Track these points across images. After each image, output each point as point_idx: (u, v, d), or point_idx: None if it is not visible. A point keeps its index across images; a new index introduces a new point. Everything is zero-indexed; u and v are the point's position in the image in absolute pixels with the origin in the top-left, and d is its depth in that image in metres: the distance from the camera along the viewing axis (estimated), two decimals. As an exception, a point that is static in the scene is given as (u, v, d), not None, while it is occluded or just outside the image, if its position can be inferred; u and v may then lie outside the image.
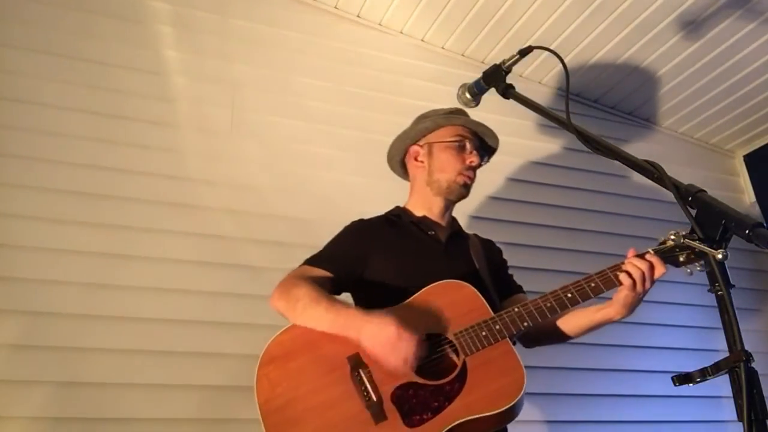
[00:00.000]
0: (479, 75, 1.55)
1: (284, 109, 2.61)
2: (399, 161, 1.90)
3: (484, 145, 1.84)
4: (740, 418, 0.91)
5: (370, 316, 1.44)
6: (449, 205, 1.82)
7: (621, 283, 1.44)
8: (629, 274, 1.43)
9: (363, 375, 1.43)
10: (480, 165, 1.78)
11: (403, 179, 1.94)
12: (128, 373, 2.03)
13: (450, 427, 1.36)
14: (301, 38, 2.76)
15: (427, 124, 1.80)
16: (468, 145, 1.77)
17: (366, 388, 1.42)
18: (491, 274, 1.74)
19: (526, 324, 1.47)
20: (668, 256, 1.41)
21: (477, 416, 1.36)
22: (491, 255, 1.84)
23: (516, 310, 1.48)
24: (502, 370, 1.42)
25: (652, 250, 1.45)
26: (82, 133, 2.25)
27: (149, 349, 2.08)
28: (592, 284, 1.47)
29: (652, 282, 1.44)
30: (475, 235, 1.89)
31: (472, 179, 1.78)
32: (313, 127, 2.62)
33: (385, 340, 1.39)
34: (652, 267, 1.43)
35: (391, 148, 1.88)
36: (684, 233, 1.32)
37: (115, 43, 2.42)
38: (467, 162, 1.75)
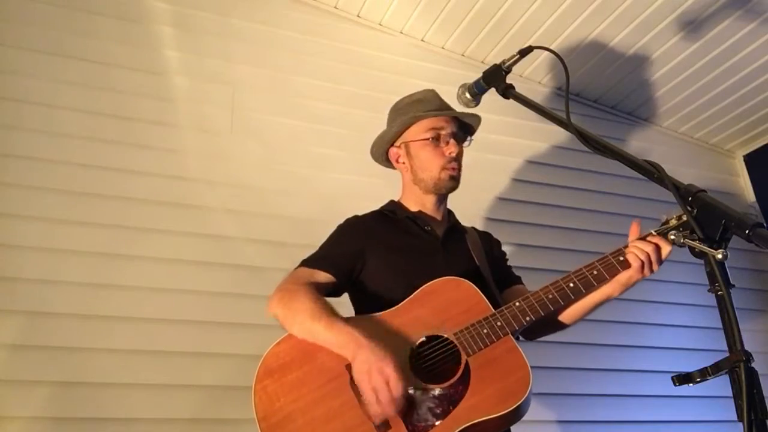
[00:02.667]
0: (479, 75, 1.54)
1: (284, 109, 2.61)
2: (384, 160, 1.87)
3: (463, 126, 1.78)
4: (740, 418, 0.91)
5: (366, 342, 1.37)
6: (442, 199, 1.77)
7: (629, 265, 1.41)
8: (637, 256, 1.40)
9: None
10: (461, 149, 1.73)
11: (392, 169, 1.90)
12: (128, 373, 2.03)
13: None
14: (301, 38, 2.76)
15: (395, 127, 1.75)
16: (443, 136, 1.71)
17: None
18: (491, 267, 1.71)
19: (528, 319, 1.43)
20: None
21: (483, 419, 1.33)
22: (490, 248, 1.81)
23: (517, 304, 1.44)
24: (507, 369, 1.38)
25: (655, 231, 1.43)
26: (82, 133, 2.25)
27: (149, 349, 2.08)
28: (595, 272, 1.43)
29: (660, 263, 1.41)
30: (473, 228, 1.86)
31: (458, 169, 1.72)
32: (313, 127, 2.62)
33: (372, 372, 1.33)
34: (658, 248, 1.40)
35: (372, 150, 1.85)
36: (682, 216, 1.31)
37: (115, 43, 2.42)
38: (447, 154, 1.70)
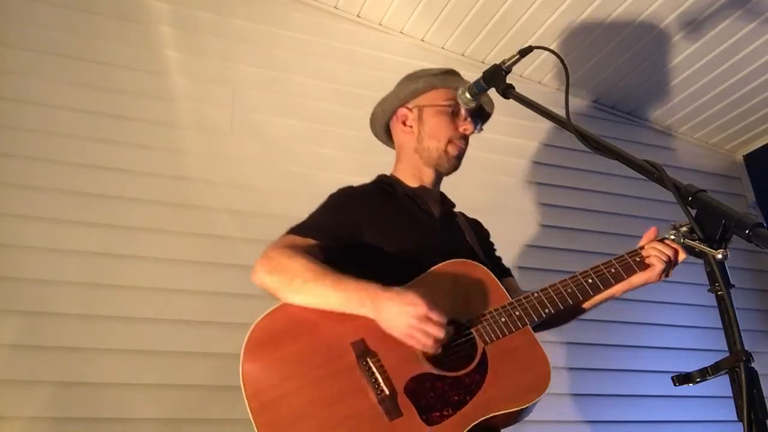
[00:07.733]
0: (479, 75, 1.54)
1: (284, 109, 2.61)
2: (383, 125, 1.74)
3: (479, 111, 1.69)
4: (740, 418, 0.91)
5: (390, 293, 1.27)
6: (440, 177, 1.69)
7: (646, 267, 1.42)
8: (660, 260, 1.41)
9: (372, 365, 1.26)
10: (473, 132, 1.65)
11: (387, 146, 1.82)
12: (128, 373, 2.03)
13: (473, 425, 1.24)
14: (301, 38, 2.76)
15: (419, 84, 1.63)
16: (462, 111, 1.62)
17: (377, 379, 1.25)
18: (484, 253, 1.65)
19: (547, 311, 1.39)
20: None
21: (502, 412, 1.27)
22: (481, 235, 1.75)
23: (536, 295, 1.40)
24: (527, 362, 1.34)
25: (672, 237, 1.44)
26: (82, 133, 2.25)
27: (149, 349, 2.08)
28: (613, 270, 1.43)
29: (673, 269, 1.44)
30: (462, 213, 1.78)
31: (464, 149, 1.65)
32: (313, 127, 2.62)
33: (410, 318, 1.23)
34: (676, 253, 1.42)
35: (377, 109, 1.73)
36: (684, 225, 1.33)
37: (115, 43, 2.42)
38: (461, 129, 1.62)
